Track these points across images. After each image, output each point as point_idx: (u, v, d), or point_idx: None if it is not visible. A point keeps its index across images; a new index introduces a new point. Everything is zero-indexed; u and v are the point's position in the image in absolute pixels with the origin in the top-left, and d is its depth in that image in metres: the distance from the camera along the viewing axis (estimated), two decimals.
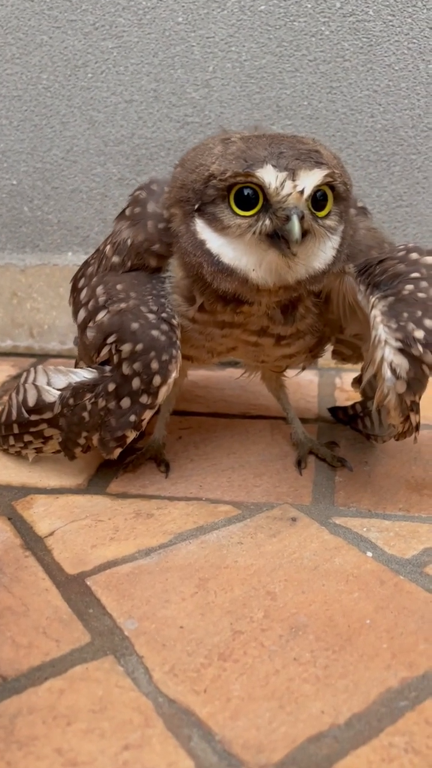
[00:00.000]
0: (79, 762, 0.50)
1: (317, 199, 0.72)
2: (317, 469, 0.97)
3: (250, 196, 0.70)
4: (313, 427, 1.12)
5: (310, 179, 0.69)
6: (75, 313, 0.91)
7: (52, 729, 0.53)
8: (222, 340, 0.85)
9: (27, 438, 0.92)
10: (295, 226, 0.68)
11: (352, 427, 1.10)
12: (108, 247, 0.89)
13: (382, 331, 0.75)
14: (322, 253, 0.76)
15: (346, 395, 1.24)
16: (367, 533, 0.80)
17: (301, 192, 0.68)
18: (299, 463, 0.97)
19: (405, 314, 0.75)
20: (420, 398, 0.77)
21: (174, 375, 0.79)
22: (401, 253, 0.80)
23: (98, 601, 0.68)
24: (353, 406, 1.09)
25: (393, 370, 0.74)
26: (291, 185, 0.68)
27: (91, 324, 0.83)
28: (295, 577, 0.71)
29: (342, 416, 1.13)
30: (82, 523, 0.83)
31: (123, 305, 0.81)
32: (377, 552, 0.76)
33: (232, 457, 1.01)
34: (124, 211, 0.88)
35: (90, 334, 0.83)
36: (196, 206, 0.74)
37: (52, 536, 0.80)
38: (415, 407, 0.77)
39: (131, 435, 0.81)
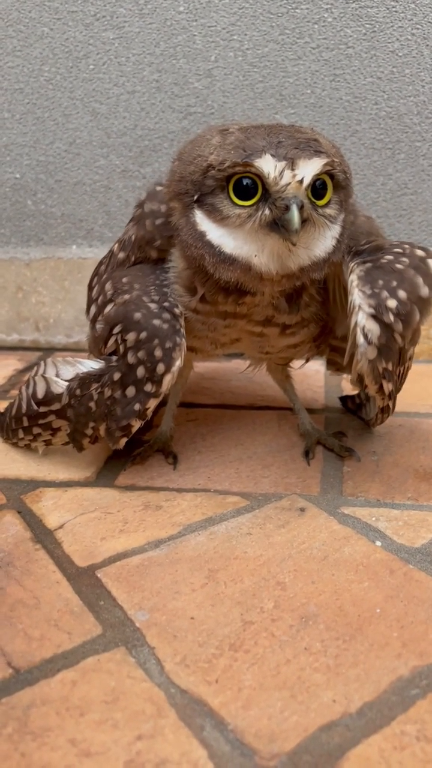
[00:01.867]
0: (93, 752, 0.50)
1: (317, 188, 0.72)
2: (325, 459, 0.97)
3: (249, 185, 0.70)
4: (321, 418, 1.12)
5: (309, 168, 0.69)
6: (87, 311, 0.94)
7: (65, 720, 0.53)
8: (225, 331, 0.85)
9: (36, 430, 0.92)
10: (295, 215, 0.67)
11: (357, 416, 1.10)
12: (116, 245, 0.92)
13: (357, 296, 0.77)
14: (323, 241, 0.76)
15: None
16: (375, 523, 0.80)
17: (301, 181, 0.68)
18: (307, 454, 0.97)
19: (380, 281, 0.77)
20: (395, 368, 0.79)
21: (178, 363, 0.79)
22: (393, 243, 0.83)
23: (109, 593, 0.68)
24: (359, 394, 1.09)
25: (365, 336, 0.76)
26: (290, 174, 0.68)
27: (100, 318, 0.85)
28: (305, 567, 0.71)
29: (351, 405, 1.13)
30: (91, 515, 0.83)
31: (126, 296, 0.82)
32: (386, 541, 0.76)
33: (239, 449, 1.01)
34: (132, 217, 0.90)
35: (99, 326, 0.85)
36: (195, 197, 0.74)
37: (62, 529, 0.80)
38: (387, 375, 0.78)
39: (136, 424, 0.81)
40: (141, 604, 0.66)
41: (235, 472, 0.94)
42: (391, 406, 0.89)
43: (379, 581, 0.69)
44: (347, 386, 1.25)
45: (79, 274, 1.46)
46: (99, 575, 0.71)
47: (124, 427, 0.82)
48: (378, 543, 0.76)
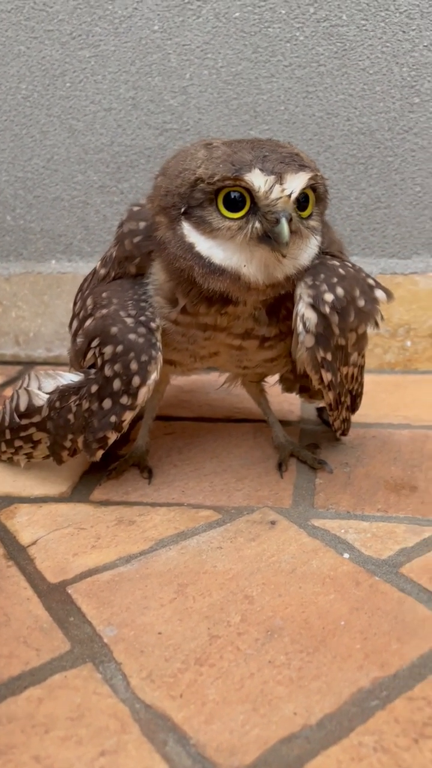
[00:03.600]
0: None
1: (300, 201, 0.75)
2: (298, 471, 0.98)
3: (237, 198, 0.73)
4: (296, 429, 1.14)
5: (296, 182, 0.72)
6: (70, 325, 0.96)
7: (30, 737, 0.54)
8: (204, 344, 0.87)
9: (18, 443, 0.94)
10: (285, 228, 0.70)
11: (330, 427, 1.12)
12: (98, 263, 0.94)
13: (300, 287, 0.80)
14: (307, 250, 0.80)
15: None
16: (344, 535, 0.81)
17: (289, 195, 0.71)
18: (280, 466, 0.98)
19: (322, 275, 0.81)
20: (336, 363, 0.82)
21: (154, 376, 0.80)
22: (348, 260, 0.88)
23: (78, 609, 0.69)
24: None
25: (303, 324, 0.80)
26: (279, 189, 0.70)
27: (80, 332, 0.87)
28: (273, 580, 0.73)
29: (326, 416, 1.15)
30: (64, 531, 0.84)
31: (104, 311, 0.84)
32: (354, 553, 0.77)
33: (214, 462, 1.02)
34: (115, 234, 0.91)
35: (78, 340, 0.87)
36: (183, 210, 0.76)
37: (35, 545, 0.81)
38: (326, 365, 0.82)
39: (112, 436, 0.83)
40: (110, 619, 0.67)
41: (210, 485, 0.95)
42: (346, 415, 0.95)
43: (345, 593, 0.70)
44: None
45: (58, 289, 1.47)
46: (69, 591, 0.72)
47: (100, 439, 0.83)
48: (346, 555, 0.77)
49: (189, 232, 0.76)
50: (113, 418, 0.81)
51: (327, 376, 0.84)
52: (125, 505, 0.90)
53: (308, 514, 0.86)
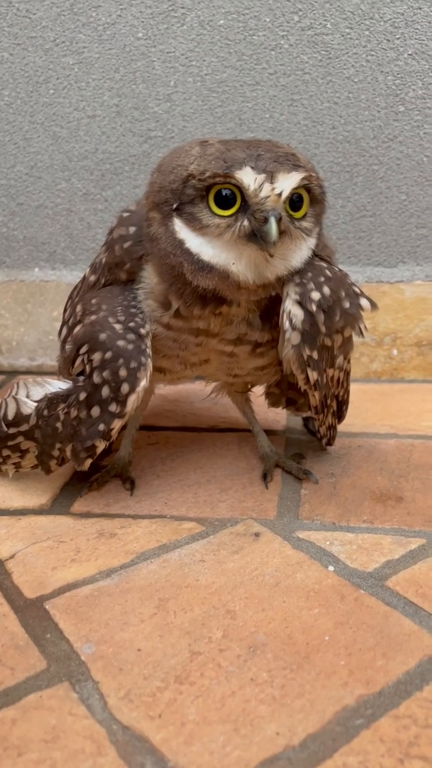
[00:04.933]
0: None
1: (294, 201, 0.74)
2: (284, 482, 0.97)
3: (228, 196, 0.72)
4: (282, 439, 1.12)
5: (287, 182, 0.71)
6: (59, 333, 0.94)
7: (2, 760, 0.52)
8: (196, 350, 0.85)
9: (5, 452, 0.92)
10: (273, 227, 0.69)
11: (317, 437, 1.11)
12: (88, 269, 0.93)
13: (288, 285, 0.80)
14: (299, 252, 0.79)
15: None
16: (330, 547, 0.80)
17: (279, 194, 0.70)
18: (265, 477, 0.97)
19: (309, 274, 0.80)
20: (322, 363, 0.82)
21: (143, 383, 0.79)
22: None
23: (56, 626, 0.67)
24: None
25: (290, 320, 0.80)
26: (269, 188, 0.70)
27: (69, 338, 0.86)
28: (256, 594, 0.71)
29: (312, 426, 1.14)
30: (43, 545, 0.82)
31: (93, 317, 0.82)
32: (339, 566, 0.76)
33: (198, 472, 1.00)
34: (105, 240, 0.90)
35: (67, 347, 0.86)
36: (175, 206, 0.75)
37: (13, 559, 0.79)
38: (312, 363, 0.81)
39: (101, 445, 0.81)
40: (88, 636, 0.65)
41: (193, 496, 0.93)
42: (331, 422, 0.95)
43: (330, 607, 0.69)
44: None
45: (42, 297, 1.46)
46: (47, 607, 0.70)
47: (88, 448, 0.81)
48: (331, 568, 0.75)
49: (180, 228, 0.76)
50: (102, 427, 0.80)
51: (313, 375, 0.83)
52: (106, 517, 0.88)
53: (293, 526, 0.85)
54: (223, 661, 0.61)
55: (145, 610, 0.69)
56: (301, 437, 1.13)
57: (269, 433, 1.11)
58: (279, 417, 1.21)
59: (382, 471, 0.99)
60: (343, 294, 0.83)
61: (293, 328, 0.80)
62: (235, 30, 1.28)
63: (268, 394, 1.07)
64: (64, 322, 0.93)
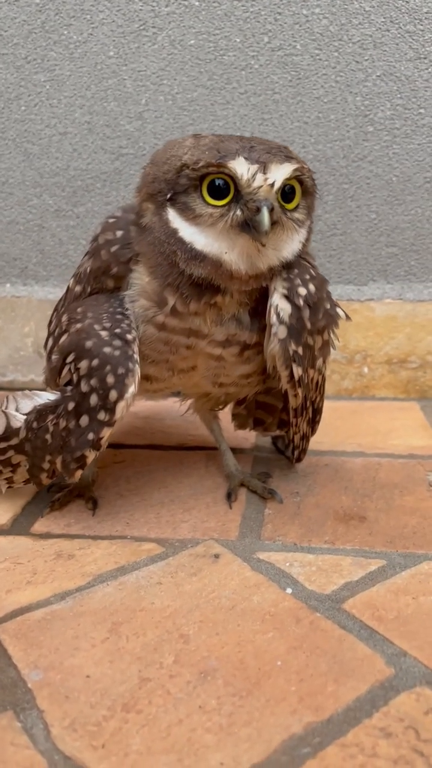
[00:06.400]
0: None
1: (286, 193, 0.76)
2: (248, 501, 0.96)
3: (221, 186, 0.73)
4: (249, 458, 1.12)
5: (280, 172, 0.72)
6: (45, 344, 0.95)
7: None
8: (186, 354, 0.84)
9: None
10: (265, 217, 0.70)
11: (284, 455, 1.11)
12: (72, 280, 0.92)
13: (275, 281, 0.81)
14: (290, 243, 0.79)
15: None
16: (289, 568, 0.79)
17: (272, 185, 0.71)
18: (229, 496, 0.96)
19: (296, 271, 0.82)
20: (305, 362, 0.83)
21: (131, 390, 0.79)
22: None
23: (5, 651, 0.65)
24: (287, 432, 1.09)
25: (277, 314, 0.80)
26: (262, 178, 0.71)
27: (55, 349, 0.86)
28: (211, 618, 0.70)
29: (280, 445, 1.13)
30: (0, 566, 0.80)
31: (79, 325, 0.82)
32: (297, 588, 0.75)
33: (163, 492, 0.99)
34: (87, 251, 0.90)
35: (54, 357, 0.86)
36: (168, 196, 0.76)
37: None
38: (297, 358, 0.82)
39: (91, 455, 0.80)
40: (37, 662, 0.64)
41: (156, 516, 0.92)
42: (306, 431, 0.96)
43: (284, 631, 0.68)
44: None
45: (13, 313, 1.45)
46: None
47: (78, 459, 0.81)
48: (288, 590, 0.75)
49: (173, 218, 0.76)
50: (91, 436, 0.79)
51: (297, 371, 0.83)
52: (66, 538, 0.87)
53: (254, 547, 0.84)
54: (172, 688, 0.60)
55: (98, 634, 0.68)
56: (270, 456, 1.13)
57: (238, 451, 1.11)
58: (248, 435, 1.21)
59: (347, 490, 0.99)
60: (325, 294, 0.85)
61: (280, 321, 0.80)
62: (206, 50, 1.29)
63: (235, 416, 1.07)
64: (50, 334, 0.93)
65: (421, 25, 1.25)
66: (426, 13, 1.25)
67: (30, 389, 0.91)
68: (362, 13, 1.25)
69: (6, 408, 0.89)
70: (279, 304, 0.80)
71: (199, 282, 0.78)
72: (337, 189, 1.34)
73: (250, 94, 1.30)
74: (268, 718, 0.57)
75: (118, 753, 0.54)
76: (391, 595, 0.74)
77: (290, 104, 1.30)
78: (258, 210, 0.71)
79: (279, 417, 1.04)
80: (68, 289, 0.93)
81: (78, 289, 0.89)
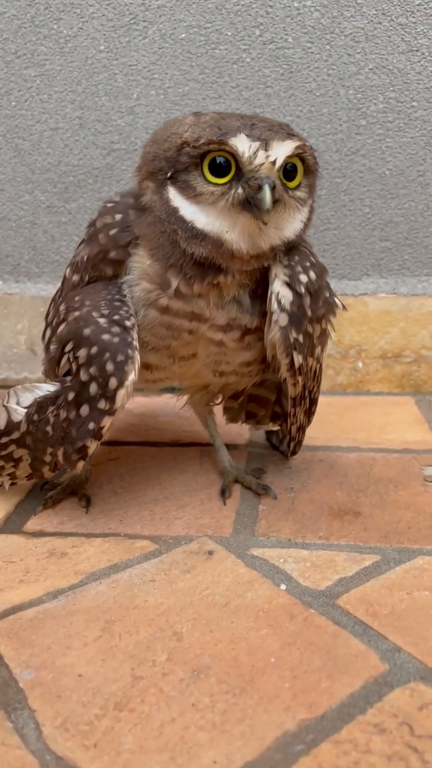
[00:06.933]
0: None
1: (288, 171, 0.75)
2: (242, 497, 0.96)
3: (222, 164, 0.72)
4: (243, 453, 1.11)
5: (282, 149, 0.71)
6: (43, 336, 0.93)
7: None
8: (188, 339, 0.83)
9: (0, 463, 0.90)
10: (267, 195, 0.70)
11: (279, 451, 1.10)
12: (68, 270, 0.91)
13: (276, 265, 0.80)
14: (292, 222, 0.79)
15: None
16: (283, 565, 0.79)
17: (273, 162, 0.71)
18: (223, 493, 0.96)
19: (297, 257, 0.82)
20: (305, 350, 0.83)
21: (132, 377, 0.77)
22: None
23: None
24: (282, 426, 1.09)
25: (278, 302, 0.80)
26: (264, 155, 0.70)
27: (53, 339, 0.85)
28: (205, 615, 0.70)
29: (275, 441, 1.13)
30: None
31: (77, 313, 0.81)
32: (291, 584, 0.75)
33: (157, 488, 0.99)
34: (83, 239, 0.89)
35: (52, 347, 0.84)
36: (169, 174, 0.75)
37: None
38: (298, 346, 0.82)
39: (92, 445, 0.79)
40: (28, 661, 0.63)
41: (149, 513, 0.92)
42: (303, 422, 0.96)
43: (278, 628, 0.67)
44: None
45: (5, 310, 1.44)
46: None
47: (80, 449, 0.79)
48: (282, 586, 0.74)
49: (174, 196, 0.75)
50: (92, 425, 0.78)
51: (298, 359, 0.83)
52: (59, 536, 0.86)
53: (248, 543, 0.84)
54: (165, 686, 0.60)
55: (90, 633, 0.67)
56: (264, 451, 1.12)
57: (232, 447, 1.10)
58: (242, 431, 1.20)
59: (342, 485, 0.98)
60: (325, 283, 0.85)
61: (281, 309, 0.80)
62: (197, 43, 1.28)
63: (226, 409, 1.06)
64: (48, 324, 0.92)
65: (414, 17, 1.24)
66: (418, 5, 1.24)
67: (31, 382, 0.90)
68: (354, 5, 1.25)
69: (7, 402, 0.88)
70: (280, 291, 0.80)
71: (202, 262, 0.77)
72: (330, 183, 1.33)
73: (242, 87, 1.30)
74: (261, 716, 0.56)
75: (110, 752, 0.53)
76: (385, 591, 0.73)
77: (282, 98, 1.29)
78: (259, 188, 0.70)
79: (272, 410, 1.03)
80: (65, 278, 0.92)
81: (75, 278, 0.87)
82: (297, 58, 1.27)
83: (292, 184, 0.76)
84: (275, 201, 0.72)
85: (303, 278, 0.81)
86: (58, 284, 0.94)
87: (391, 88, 1.28)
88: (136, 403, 1.33)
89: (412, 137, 1.30)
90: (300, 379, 0.85)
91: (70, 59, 1.31)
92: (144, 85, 1.31)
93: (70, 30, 1.30)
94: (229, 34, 1.27)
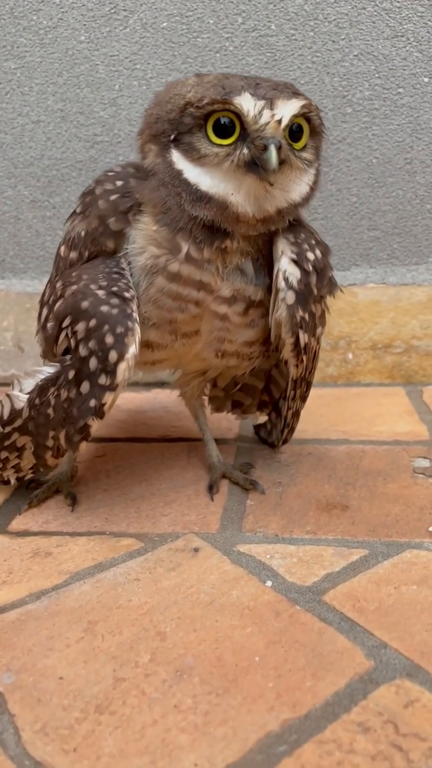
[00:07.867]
0: None
1: (294, 131, 0.73)
2: (230, 493, 0.95)
3: (226, 124, 0.71)
4: (232, 448, 1.10)
5: (287, 108, 0.70)
6: (39, 315, 0.90)
7: None
8: (193, 311, 0.80)
9: (4, 455, 0.89)
10: (273, 155, 0.68)
11: (267, 444, 1.10)
12: (63, 247, 0.87)
13: (282, 242, 0.79)
14: (299, 185, 0.77)
15: None
16: (270, 561, 0.78)
17: (279, 121, 0.69)
18: (211, 488, 0.95)
19: (303, 235, 0.81)
20: (309, 329, 0.82)
21: (132, 350, 0.75)
22: None
23: None
24: (270, 419, 1.08)
25: (286, 279, 0.79)
26: (269, 114, 0.69)
27: (50, 316, 0.82)
28: (189, 614, 0.69)
29: (263, 434, 1.12)
30: None
31: (74, 287, 0.79)
32: (277, 581, 0.74)
33: (143, 485, 0.98)
34: (74, 211, 0.86)
35: (49, 325, 0.82)
36: (172, 136, 0.74)
37: None
38: (304, 325, 0.81)
39: (94, 424, 0.76)
40: (9, 664, 0.62)
41: (135, 511, 0.91)
42: (299, 407, 0.95)
43: (263, 626, 0.66)
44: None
45: None
46: None
47: (82, 429, 0.77)
48: (269, 583, 0.73)
49: (178, 159, 0.74)
50: (93, 402, 0.75)
51: (303, 338, 0.82)
52: (44, 535, 0.85)
53: (235, 539, 0.83)
54: (147, 688, 0.59)
55: (72, 634, 0.66)
56: (253, 446, 1.11)
57: (221, 441, 1.09)
58: (232, 425, 1.19)
59: (330, 479, 0.97)
60: (329, 262, 0.84)
61: (289, 287, 0.79)
62: (179, 32, 1.26)
63: (212, 399, 1.05)
64: (44, 304, 0.88)
65: (398, 2, 1.22)
66: None
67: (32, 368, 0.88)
68: None
69: (11, 391, 0.86)
70: (287, 268, 0.79)
71: (209, 225, 0.76)
72: None
73: None
74: (244, 716, 0.56)
75: (90, 756, 0.52)
76: (372, 586, 0.72)
77: None
78: (265, 148, 0.68)
79: (259, 398, 1.02)
80: (59, 257, 0.88)
81: (73, 255, 0.83)
82: (280, 46, 1.25)
83: (298, 145, 0.74)
84: (281, 162, 0.70)
85: (310, 256, 0.80)
86: (45, 280, 0.92)
87: (377, 75, 1.26)
88: (123, 398, 1.31)
89: (398, 124, 1.29)
90: (304, 358, 0.84)
91: (51, 51, 1.29)
92: (126, 76, 1.29)
93: (50, 21, 1.27)
94: (211, 22, 1.25)
